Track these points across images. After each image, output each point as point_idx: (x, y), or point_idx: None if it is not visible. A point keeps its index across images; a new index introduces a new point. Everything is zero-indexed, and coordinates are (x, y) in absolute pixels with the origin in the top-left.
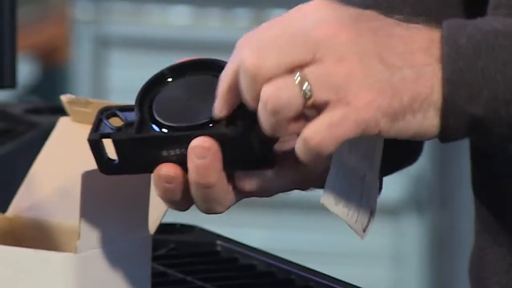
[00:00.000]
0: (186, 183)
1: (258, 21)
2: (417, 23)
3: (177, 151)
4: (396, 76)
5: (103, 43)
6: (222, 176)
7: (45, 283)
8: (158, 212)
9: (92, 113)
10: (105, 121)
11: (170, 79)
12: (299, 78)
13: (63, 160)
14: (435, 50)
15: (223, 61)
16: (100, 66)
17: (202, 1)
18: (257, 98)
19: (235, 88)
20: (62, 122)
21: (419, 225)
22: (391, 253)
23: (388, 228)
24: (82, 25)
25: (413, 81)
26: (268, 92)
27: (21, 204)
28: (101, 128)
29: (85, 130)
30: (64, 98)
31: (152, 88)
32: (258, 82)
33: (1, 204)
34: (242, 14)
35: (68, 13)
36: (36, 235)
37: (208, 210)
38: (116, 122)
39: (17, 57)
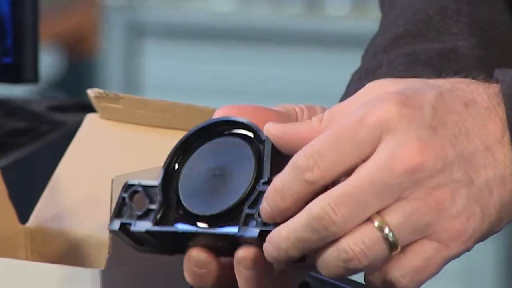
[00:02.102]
0: (220, 269)
1: (311, 8)
2: (478, 82)
3: (204, 242)
4: (484, 192)
5: (137, 32)
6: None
7: None
8: None
9: (122, 109)
10: (128, 202)
11: (191, 151)
12: (383, 229)
13: (91, 163)
14: (507, 139)
15: (238, 119)
16: (133, 57)
17: None
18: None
19: (296, 204)
20: (89, 120)
21: (494, 239)
22: (462, 271)
23: None
24: (113, 12)
25: (500, 188)
26: (352, 252)
27: (43, 213)
28: (123, 212)
29: (115, 128)
30: (92, 92)
31: (173, 166)
32: (332, 234)
33: (22, 213)
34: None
35: None
36: (61, 248)
37: None
38: (142, 201)
39: (39, 48)
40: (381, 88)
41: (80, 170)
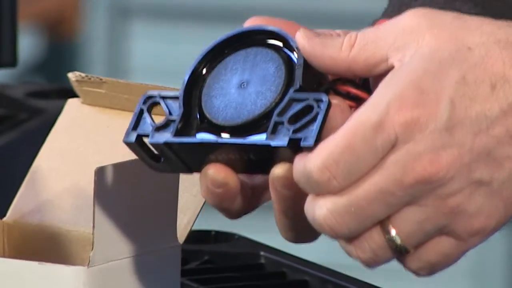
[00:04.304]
0: (239, 190)
1: None
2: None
3: (227, 156)
4: (508, 184)
5: (122, 12)
6: None
7: None
8: (188, 216)
9: (106, 94)
10: (146, 113)
11: (219, 59)
12: (392, 238)
13: (73, 152)
14: None
15: (268, 27)
16: (118, 39)
17: None
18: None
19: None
20: (70, 105)
21: (505, 236)
22: (471, 270)
23: None
24: None
25: None
26: (361, 258)
27: (22, 206)
28: (140, 124)
29: (98, 114)
30: (73, 76)
31: (200, 71)
32: (339, 238)
33: None
34: None
35: None
36: (41, 245)
37: (296, 241)
38: (161, 113)
39: (18, 29)
40: (414, 31)
41: (61, 160)
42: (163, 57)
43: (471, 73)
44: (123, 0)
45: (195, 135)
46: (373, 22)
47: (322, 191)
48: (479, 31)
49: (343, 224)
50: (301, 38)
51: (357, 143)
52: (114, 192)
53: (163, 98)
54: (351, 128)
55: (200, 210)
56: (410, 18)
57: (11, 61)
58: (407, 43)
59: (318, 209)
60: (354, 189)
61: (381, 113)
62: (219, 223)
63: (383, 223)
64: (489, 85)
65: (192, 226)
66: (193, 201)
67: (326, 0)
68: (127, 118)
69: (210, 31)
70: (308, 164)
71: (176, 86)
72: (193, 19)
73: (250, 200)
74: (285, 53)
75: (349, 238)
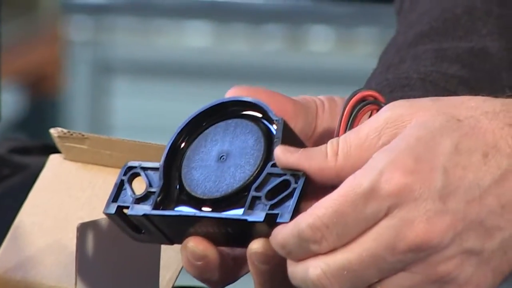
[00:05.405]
0: (219, 262)
1: (293, 40)
2: (505, 112)
3: (206, 229)
4: (497, 253)
5: (104, 69)
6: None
7: None
8: (171, 273)
9: (88, 150)
10: (126, 184)
11: (198, 131)
12: None
13: (55, 208)
14: None
15: (243, 98)
16: (100, 96)
17: (225, 15)
18: None
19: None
20: (53, 161)
21: None
22: None
23: None
24: (79, 47)
25: None
26: None
27: (5, 263)
28: (121, 196)
29: (80, 170)
30: (55, 132)
31: (179, 144)
32: None
33: None
34: (275, 32)
35: (61, 32)
36: None
37: None
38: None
39: (0, 86)
40: (398, 122)
41: (43, 215)
42: (145, 113)
43: (463, 142)
44: (105, 57)
45: (174, 208)
46: (356, 91)
47: (313, 250)
48: (465, 106)
49: (336, 285)
50: (282, 155)
51: (346, 209)
52: (96, 248)
53: (144, 169)
54: (342, 193)
55: (182, 267)
56: (389, 111)
57: None
58: (392, 135)
59: (312, 269)
60: (347, 252)
61: (372, 180)
62: None
63: (372, 284)
64: (481, 154)
65: (174, 282)
66: (175, 257)
67: (307, 57)
68: (109, 174)
69: (192, 88)
70: (300, 222)
71: (158, 142)
72: (175, 76)
73: (231, 271)
74: (265, 124)
75: None
